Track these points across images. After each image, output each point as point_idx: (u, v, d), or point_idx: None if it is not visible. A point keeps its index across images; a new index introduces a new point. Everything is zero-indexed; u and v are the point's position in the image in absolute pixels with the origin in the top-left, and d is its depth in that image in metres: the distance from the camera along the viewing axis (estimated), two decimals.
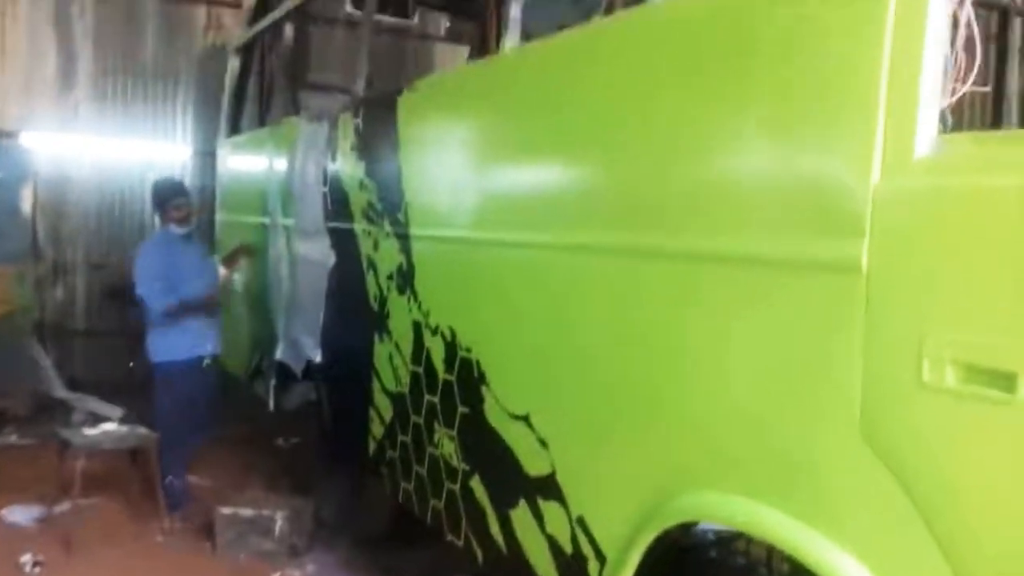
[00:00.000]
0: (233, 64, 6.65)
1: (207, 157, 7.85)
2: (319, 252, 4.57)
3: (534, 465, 2.72)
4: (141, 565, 4.56)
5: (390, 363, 3.74)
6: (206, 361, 5.20)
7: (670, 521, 2.13)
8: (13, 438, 6.63)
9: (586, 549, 2.47)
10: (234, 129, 6.65)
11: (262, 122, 6.43)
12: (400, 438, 3.66)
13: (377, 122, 3.89)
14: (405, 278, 3.58)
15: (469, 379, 3.08)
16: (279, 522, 4.63)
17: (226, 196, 6.71)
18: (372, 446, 3.97)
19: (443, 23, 8.78)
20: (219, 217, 6.88)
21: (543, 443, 2.66)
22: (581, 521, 2.49)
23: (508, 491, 2.87)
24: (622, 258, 2.35)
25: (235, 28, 7.65)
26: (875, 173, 1.67)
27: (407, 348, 3.57)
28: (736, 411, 1.98)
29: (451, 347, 3.21)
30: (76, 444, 4.80)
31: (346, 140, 4.23)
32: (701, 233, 2.08)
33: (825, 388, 1.77)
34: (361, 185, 4.03)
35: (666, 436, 2.19)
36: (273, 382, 5.37)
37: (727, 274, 2.01)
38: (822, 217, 1.77)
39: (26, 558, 4.39)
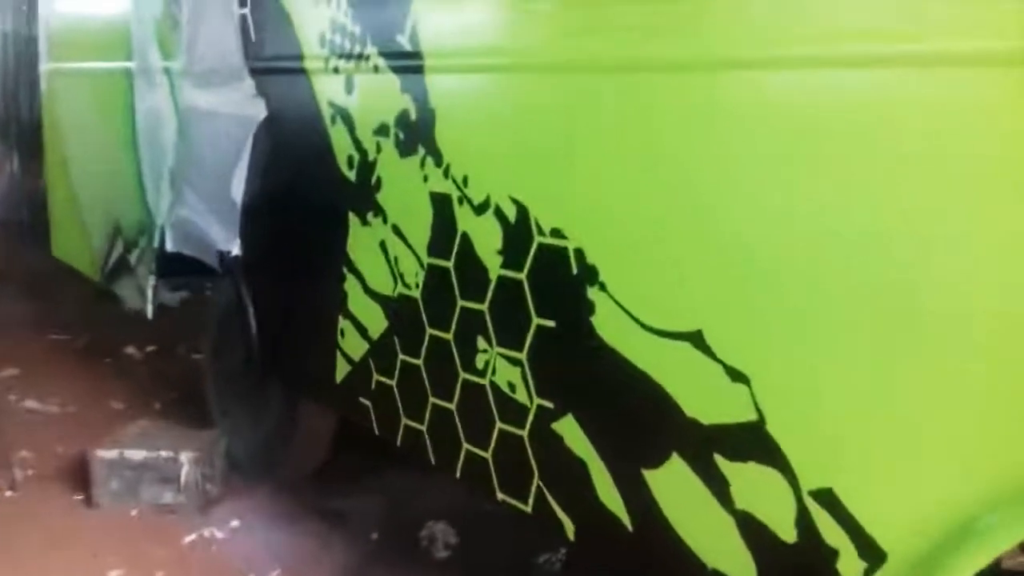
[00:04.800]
0: None
1: None
2: (235, 103, 3.30)
3: (710, 408, 1.79)
4: None
5: (382, 254, 2.64)
6: None
7: None
8: None
9: (835, 538, 1.60)
10: None
11: None
12: (402, 359, 2.61)
13: None
14: (415, 132, 2.47)
15: (560, 277, 2.08)
16: (186, 465, 3.48)
17: (57, 38, 5.09)
18: (344, 368, 2.88)
19: None
20: (47, 67, 5.26)
21: (736, 375, 1.73)
22: (826, 496, 1.61)
23: (644, 443, 1.94)
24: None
25: None
26: None
27: (419, 233, 2.49)
28: None
29: (519, 231, 2.17)
30: None
31: None
32: None
33: None
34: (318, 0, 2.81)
35: None
36: (152, 281, 4.08)
37: None
38: None
39: None
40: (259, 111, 3.18)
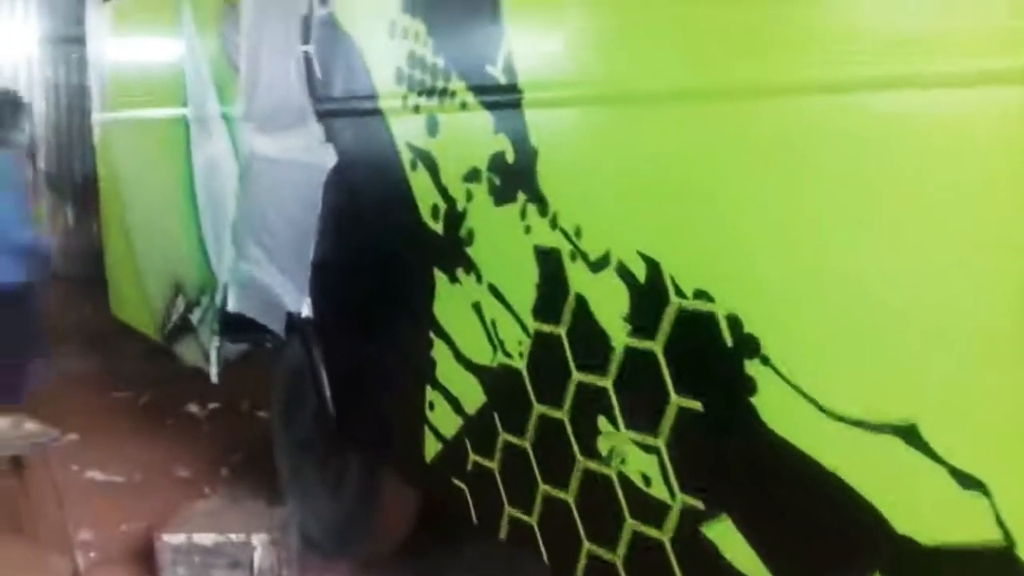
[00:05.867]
0: None
1: (64, 45, 5.91)
2: (300, 150, 3.00)
3: (932, 522, 1.39)
4: None
5: (476, 317, 2.29)
6: None
7: None
8: None
9: None
10: None
11: None
12: (504, 439, 2.25)
13: None
14: (514, 176, 2.12)
15: (708, 349, 1.70)
16: (258, 549, 3.16)
17: (110, 87, 4.88)
18: (434, 446, 2.53)
19: None
20: (99, 117, 5.06)
21: (968, 482, 1.33)
22: None
23: (834, 561, 1.55)
24: None
25: None
26: None
27: (522, 293, 2.14)
28: None
29: (650, 292, 1.80)
30: None
31: None
32: None
33: None
34: (392, 30, 2.49)
35: None
36: (216, 343, 3.79)
37: None
38: None
39: None
40: (328, 158, 2.86)
